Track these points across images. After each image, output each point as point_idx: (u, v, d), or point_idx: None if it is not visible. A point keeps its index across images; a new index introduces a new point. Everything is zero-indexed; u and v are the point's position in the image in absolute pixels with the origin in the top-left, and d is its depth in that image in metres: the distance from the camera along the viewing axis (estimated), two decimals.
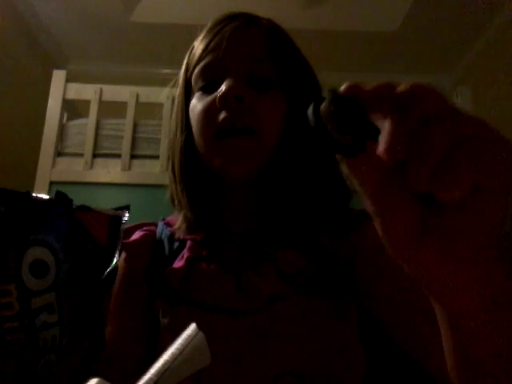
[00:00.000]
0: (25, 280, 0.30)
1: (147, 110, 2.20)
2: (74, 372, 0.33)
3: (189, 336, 0.27)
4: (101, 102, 2.12)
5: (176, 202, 0.61)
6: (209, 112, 0.54)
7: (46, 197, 0.35)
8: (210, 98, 0.54)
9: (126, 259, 0.60)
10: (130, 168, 2.01)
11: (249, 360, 0.51)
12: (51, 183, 1.96)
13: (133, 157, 2.02)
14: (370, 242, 0.54)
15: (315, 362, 0.51)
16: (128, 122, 2.09)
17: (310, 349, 0.51)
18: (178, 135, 0.60)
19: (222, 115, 0.52)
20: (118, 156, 2.02)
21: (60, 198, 0.35)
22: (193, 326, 0.28)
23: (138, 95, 2.14)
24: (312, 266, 0.54)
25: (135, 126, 2.10)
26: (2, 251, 0.29)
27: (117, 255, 0.39)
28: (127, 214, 0.41)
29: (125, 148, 2.04)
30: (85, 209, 0.36)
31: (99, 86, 2.16)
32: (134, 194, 1.97)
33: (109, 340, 0.56)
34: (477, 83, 2.76)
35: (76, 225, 0.34)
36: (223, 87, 0.52)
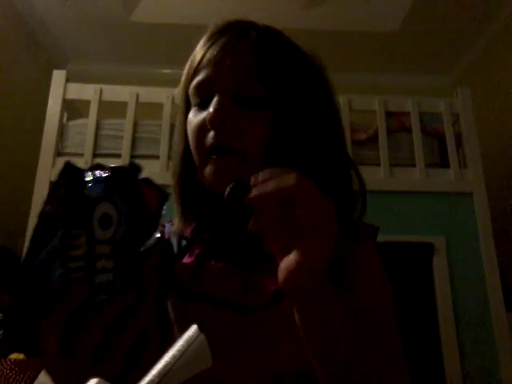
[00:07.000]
0: (94, 229, 0.36)
1: (147, 110, 2.20)
2: (121, 316, 0.38)
3: (190, 337, 0.27)
4: (101, 102, 2.12)
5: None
6: (200, 131, 0.57)
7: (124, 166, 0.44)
8: (201, 117, 0.58)
9: None
10: None
11: (251, 357, 0.52)
12: (51, 183, 1.96)
13: (133, 157, 2.02)
14: (357, 256, 0.56)
15: None
16: (128, 121, 2.09)
17: None
18: (178, 145, 0.64)
19: (211, 136, 0.56)
20: (118, 156, 2.02)
21: (135, 168, 0.44)
22: (194, 328, 0.28)
23: (137, 95, 2.14)
24: None
25: (135, 125, 2.10)
26: (75, 205, 0.36)
27: (160, 226, 0.46)
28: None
29: (125, 148, 2.04)
30: (146, 181, 0.44)
31: (99, 85, 2.16)
32: None
33: None
34: (477, 83, 2.76)
35: (138, 192, 0.42)
36: (211, 109, 0.55)
